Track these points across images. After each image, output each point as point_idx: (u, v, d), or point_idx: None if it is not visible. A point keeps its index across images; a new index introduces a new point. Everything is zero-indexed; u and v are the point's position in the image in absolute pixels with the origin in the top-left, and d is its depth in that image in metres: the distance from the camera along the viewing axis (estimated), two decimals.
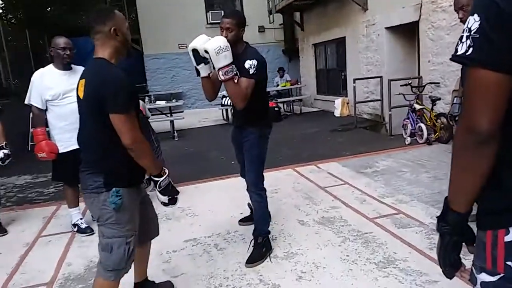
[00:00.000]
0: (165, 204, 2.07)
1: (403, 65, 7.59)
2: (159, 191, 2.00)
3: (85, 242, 3.26)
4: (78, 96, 1.91)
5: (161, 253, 2.96)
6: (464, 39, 0.85)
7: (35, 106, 3.18)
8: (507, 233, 0.88)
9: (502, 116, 0.83)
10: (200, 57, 2.46)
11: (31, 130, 5.94)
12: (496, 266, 0.90)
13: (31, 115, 3.41)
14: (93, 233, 3.31)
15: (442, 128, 5.72)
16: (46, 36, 11.20)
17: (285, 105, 11.36)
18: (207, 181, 4.79)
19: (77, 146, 2.08)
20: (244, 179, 2.89)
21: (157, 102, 9.02)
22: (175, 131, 8.31)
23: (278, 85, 11.48)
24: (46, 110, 3.21)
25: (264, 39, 13.97)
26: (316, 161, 5.26)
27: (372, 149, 5.72)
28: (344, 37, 9.37)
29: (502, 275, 0.90)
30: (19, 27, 13.13)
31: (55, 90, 3.12)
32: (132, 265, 2.03)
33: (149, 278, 2.42)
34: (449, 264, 1.03)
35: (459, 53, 0.86)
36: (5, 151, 3.33)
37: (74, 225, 3.46)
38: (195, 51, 2.45)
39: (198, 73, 2.58)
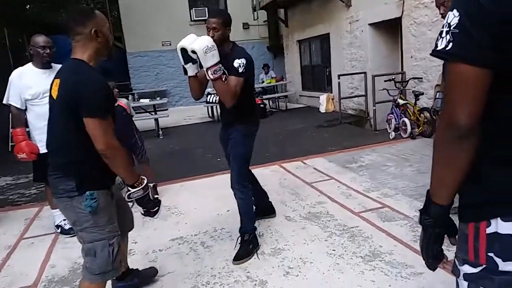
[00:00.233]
0: (143, 214, 2.01)
1: (386, 61, 7.67)
2: (136, 202, 1.92)
3: (69, 244, 3.20)
4: (51, 96, 1.84)
5: (147, 252, 2.93)
6: (444, 34, 0.85)
7: (14, 106, 3.10)
8: (489, 225, 0.89)
9: (481, 111, 0.84)
10: (188, 57, 2.45)
11: (11, 130, 5.82)
12: (478, 257, 0.92)
13: (10, 115, 3.32)
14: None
15: (425, 123, 5.80)
16: (25, 34, 10.93)
17: (270, 102, 11.37)
18: (193, 179, 4.76)
19: None
20: None
21: (141, 100, 8.93)
22: (159, 129, 8.24)
23: (263, 82, 11.48)
24: (25, 110, 3.13)
25: (248, 36, 13.93)
26: (302, 157, 5.28)
27: (357, 144, 5.78)
28: (328, 34, 9.41)
29: (484, 266, 0.91)
30: None
31: (34, 89, 3.05)
32: None
33: None
34: (432, 256, 1.04)
35: (439, 48, 0.86)
36: None
37: (57, 226, 3.40)
38: (183, 50, 2.44)
39: (186, 72, 2.57)
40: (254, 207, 3.13)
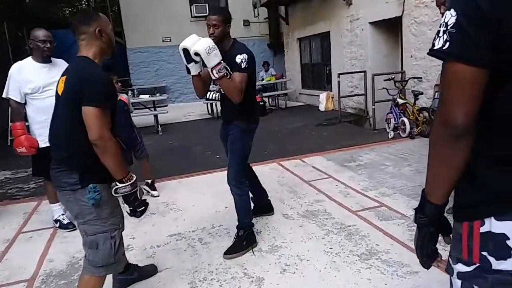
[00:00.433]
0: (128, 214, 2.00)
1: (386, 60, 7.67)
2: (122, 198, 1.92)
3: (67, 238, 3.22)
4: (56, 93, 1.91)
5: (145, 248, 2.94)
6: (441, 34, 0.86)
7: (14, 100, 3.10)
8: (482, 224, 0.90)
9: (477, 110, 0.85)
10: (190, 56, 2.46)
11: (10, 124, 5.82)
12: (472, 256, 0.93)
13: (9, 109, 3.33)
14: (75, 229, 3.24)
15: (424, 122, 5.81)
16: (24, 28, 10.91)
17: (270, 99, 11.38)
18: (192, 176, 4.77)
19: None
20: None
21: (141, 96, 8.90)
22: (159, 126, 8.25)
23: (263, 79, 11.47)
24: (25, 104, 3.13)
25: (249, 33, 13.91)
26: (301, 155, 5.29)
27: (356, 143, 5.79)
28: (329, 32, 9.40)
29: (477, 265, 0.92)
30: None
31: (34, 83, 3.04)
32: None
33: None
34: (426, 255, 1.05)
35: (436, 47, 0.87)
36: None
37: (56, 220, 3.41)
38: (185, 50, 2.44)
39: (189, 71, 2.59)
40: (253, 205, 3.15)
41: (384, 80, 6.33)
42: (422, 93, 6.03)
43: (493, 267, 0.89)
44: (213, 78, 2.47)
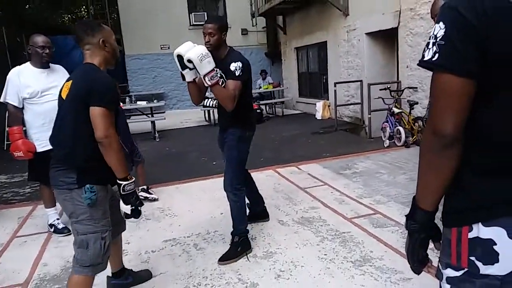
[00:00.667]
0: (127, 216, 2.03)
1: (382, 70, 7.75)
2: (122, 198, 1.97)
3: (62, 243, 3.21)
4: (60, 97, 1.97)
5: (140, 253, 2.95)
6: (430, 46, 0.90)
7: (11, 104, 3.11)
8: (471, 229, 0.93)
9: (465, 120, 0.88)
10: (184, 63, 2.49)
11: (6, 129, 5.81)
12: (460, 261, 0.95)
13: (6, 113, 3.34)
14: (70, 234, 3.26)
15: (419, 132, 5.85)
16: (23, 34, 10.95)
17: (267, 107, 11.43)
18: (188, 182, 4.78)
19: None
20: None
21: (138, 102, 8.92)
22: (156, 132, 8.26)
23: (260, 87, 11.54)
24: (22, 108, 3.15)
25: (247, 41, 14.02)
26: (297, 163, 5.31)
27: (352, 151, 5.82)
28: (326, 41, 9.50)
29: (466, 270, 0.95)
30: None
31: (33, 88, 3.06)
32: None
33: None
34: (417, 260, 1.07)
35: (425, 58, 0.90)
36: None
37: (51, 225, 3.40)
38: (180, 57, 2.48)
39: (184, 78, 2.62)
40: (248, 211, 3.16)
41: (380, 90, 6.39)
42: (417, 103, 6.08)
43: (481, 272, 0.92)
44: (206, 85, 2.51)
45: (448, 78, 0.87)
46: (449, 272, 0.98)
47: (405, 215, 1.07)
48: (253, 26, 13.80)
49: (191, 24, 13.56)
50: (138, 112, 9.18)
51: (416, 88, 6.39)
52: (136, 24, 13.12)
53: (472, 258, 0.93)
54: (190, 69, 2.51)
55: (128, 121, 4.38)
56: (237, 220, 2.83)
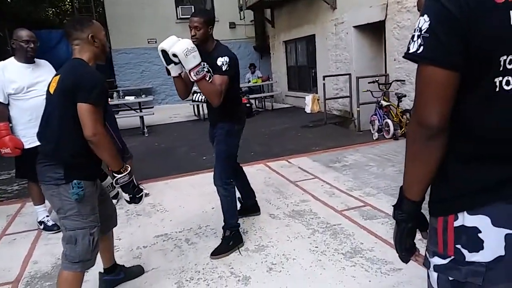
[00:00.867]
0: (128, 202, 2.09)
1: (371, 63, 7.80)
2: (121, 188, 2.02)
3: (52, 240, 3.19)
4: (48, 92, 1.95)
5: (131, 249, 2.94)
6: (415, 38, 0.91)
7: None
8: (456, 218, 0.95)
9: (450, 111, 0.90)
10: (169, 58, 2.47)
11: None
12: (447, 249, 0.98)
13: None
14: (60, 230, 3.22)
15: (407, 124, 5.93)
16: (6, 28, 10.72)
17: (256, 101, 11.43)
18: (178, 177, 4.77)
19: None
20: None
21: (126, 97, 8.83)
22: (145, 127, 8.20)
23: (249, 82, 11.52)
24: (8, 104, 3.09)
25: (235, 35, 13.96)
26: (287, 156, 5.34)
27: (341, 144, 5.87)
28: (314, 35, 9.51)
29: (452, 257, 0.97)
30: None
31: (18, 83, 3.01)
32: (98, 254, 2.08)
33: None
34: (405, 249, 1.10)
35: (411, 51, 0.92)
36: None
37: (40, 222, 3.37)
38: (164, 51, 2.45)
39: (169, 73, 2.59)
40: (239, 205, 3.17)
41: (369, 83, 6.44)
42: (405, 96, 6.15)
43: (467, 259, 0.94)
44: (192, 80, 2.49)
45: (432, 71, 0.89)
46: (436, 260, 1.01)
47: (393, 205, 1.10)
48: (241, 19, 13.74)
49: (178, 17, 13.43)
50: (126, 108, 9.09)
51: (404, 81, 6.46)
52: (122, 18, 12.95)
53: (458, 246, 0.95)
54: (176, 63, 2.49)
55: (116, 116, 4.34)
56: (228, 214, 2.84)
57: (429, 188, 1.02)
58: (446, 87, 0.88)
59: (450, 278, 0.98)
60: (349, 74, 7.74)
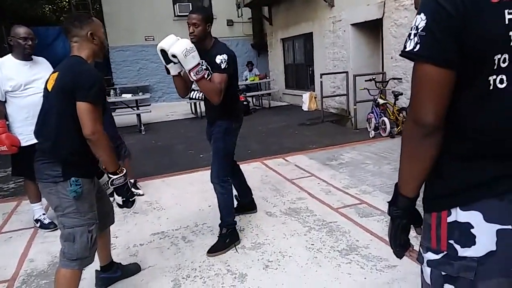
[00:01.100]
0: (120, 206, 2.08)
1: (368, 61, 7.82)
2: (114, 190, 2.02)
3: (49, 238, 3.19)
4: (46, 89, 1.94)
5: (128, 246, 2.95)
6: (412, 37, 0.92)
7: None
8: (449, 214, 0.96)
9: (446, 109, 0.91)
10: (168, 57, 2.47)
11: None
12: (440, 244, 0.99)
13: None
14: (57, 229, 3.23)
15: (404, 122, 5.95)
16: (3, 26, 10.67)
17: (254, 99, 11.43)
18: (175, 175, 4.77)
19: None
20: None
21: (123, 95, 8.83)
22: (142, 125, 8.19)
23: (247, 79, 11.52)
24: (5, 102, 3.08)
25: (232, 33, 13.94)
26: (284, 154, 5.35)
27: (338, 142, 5.89)
28: (312, 33, 9.51)
29: (445, 253, 0.98)
30: None
31: (16, 80, 3.00)
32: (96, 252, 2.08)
33: None
34: (399, 245, 1.11)
35: (407, 49, 0.93)
36: None
37: (37, 220, 3.37)
38: (163, 51, 2.45)
39: (168, 72, 2.59)
40: (236, 202, 3.18)
41: (366, 81, 6.45)
42: (402, 94, 6.17)
43: (459, 254, 0.95)
44: (191, 79, 2.49)
45: (429, 69, 0.90)
46: (430, 256, 1.02)
47: (388, 202, 1.11)
48: (238, 17, 13.72)
49: (176, 15, 13.39)
50: (123, 105, 9.07)
51: (401, 79, 6.48)
52: (120, 15, 12.90)
53: (451, 241, 0.97)
54: (175, 63, 2.50)
55: (113, 114, 4.33)
56: (224, 212, 2.85)
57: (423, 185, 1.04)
58: (442, 85, 0.89)
59: (443, 273, 0.99)
60: (346, 72, 7.75)
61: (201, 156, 5.60)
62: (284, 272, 2.47)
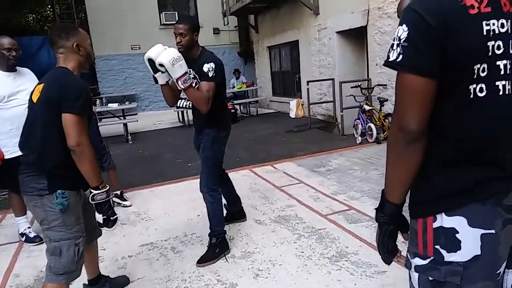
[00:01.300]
0: (100, 225, 2.02)
1: (353, 68, 7.92)
2: (95, 207, 1.95)
3: (34, 252, 3.12)
4: (31, 101, 1.92)
5: (116, 259, 2.91)
6: (394, 47, 0.94)
7: None
8: (435, 220, 0.98)
9: (429, 117, 0.94)
10: (156, 67, 2.47)
11: None
12: (426, 250, 1.01)
13: None
14: (42, 242, 3.16)
15: (390, 128, 6.02)
16: None
17: (241, 107, 11.45)
18: (163, 184, 4.73)
19: None
20: None
21: (109, 104, 8.74)
22: (128, 134, 8.12)
23: (234, 87, 11.55)
24: None
25: (219, 41, 13.98)
26: (272, 162, 5.36)
27: (326, 149, 5.93)
28: (298, 40, 9.61)
29: (432, 258, 1.00)
30: None
31: None
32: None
33: None
34: (387, 251, 1.12)
35: (390, 59, 0.95)
36: None
37: (22, 234, 3.30)
38: (151, 60, 2.45)
39: (156, 81, 2.59)
40: (225, 211, 3.17)
41: (351, 88, 6.53)
42: (387, 100, 6.25)
43: (445, 259, 0.97)
44: (179, 88, 2.50)
45: (411, 78, 0.92)
46: (417, 261, 1.04)
47: (375, 208, 1.13)
48: (225, 25, 13.76)
49: (162, 23, 13.39)
50: (110, 115, 8.99)
51: (386, 85, 6.57)
52: (105, 24, 12.82)
53: (437, 246, 0.99)
54: (162, 72, 2.50)
55: (99, 124, 4.29)
56: (214, 221, 2.84)
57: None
58: (424, 94, 0.91)
59: (430, 278, 1.01)
60: (333, 79, 7.84)
61: (189, 165, 5.58)
62: (275, 280, 2.46)
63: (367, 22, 6.89)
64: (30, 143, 1.90)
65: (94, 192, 1.90)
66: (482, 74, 0.90)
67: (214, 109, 2.64)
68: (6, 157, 2.99)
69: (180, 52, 2.48)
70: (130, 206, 4.01)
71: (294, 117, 9.57)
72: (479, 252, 0.95)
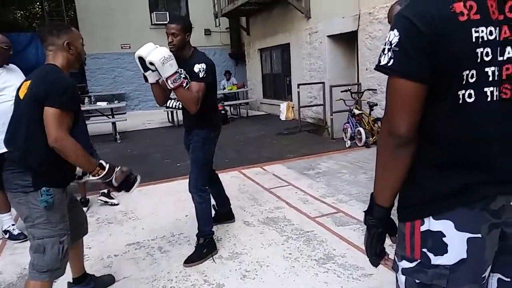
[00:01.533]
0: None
1: (344, 72, 7.97)
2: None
3: (18, 249, 3.07)
4: (17, 97, 1.89)
5: (102, 258, 2.87)
6: (386, 52, 0.95)
7: None
8: (422, 223, 0.99)
9: (418, 121, 0.95)
10: (146, 65, 2.45)
11: None
12: (414, 253, 1.02)
13: None
14: (26, 240, 3.09)
15: (379, 132, 6.08)
16: None
17: (231, 108, 11.44)
18: (151, 184, 4.69)
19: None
20: None
21: (98, 103, 8.65)
22: (117, 133, 8.05)
23: (224, 88, 11.54)
24: None
25: (210, 42, 13.96)
26: (261, 163, 5.37)
27: (315, 152, 5.95)
28: (289, 43, 9.65)
29: (419, 261, 1.01)
30: None
31: None
32: (68, 263, 2.02)
33: None
34: (375, 254, 1.13)
35: (381, 63, 0.96)
36: None
37: (5, 231, 3.24)
38: (141, 58, 2.43)
39: (146, 80, 2.57)
40: (214, 212, 3.16)
41: (342, 92, 6.58)
42: (376, 104, 6.31)
43: (432, 262, 0.98)
44: (169, 88, 2.49)
45: (402, 83, 0.93)
46: (404, 264, 1.05)
47: (364, 211, 1.13)
48: (216, 26, 13.72)
49: (153, 23, 13.32)
50: (98, 113, 8.90)
51: (376, 90, 6.63)
52: (95, 22, 12.70)
53: (424, 249, 1.00)
54: (153, 71, 2.48)
55: (87, 122, 4.24)
56: (202, 222, 2.82)
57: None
58: (414, 98, 0.92)
59: (417, 281, 1.02)
60: (323, 83, 7.89)
61: (178, 165, 5.54)
62: (262, 282, 2.46)
63: (358, 27, 6.95)
64: (16, 140, 1.87)
65: (93, 178, 1.90)
66: (471, 80, 0.91)
67: (205, 109, 2.63)
68: None
69: (171, 52, 2.47)
70: (118, 204, 3.97)
71: (284, 119, 9.60)
72: (465, 256, 0.96)
